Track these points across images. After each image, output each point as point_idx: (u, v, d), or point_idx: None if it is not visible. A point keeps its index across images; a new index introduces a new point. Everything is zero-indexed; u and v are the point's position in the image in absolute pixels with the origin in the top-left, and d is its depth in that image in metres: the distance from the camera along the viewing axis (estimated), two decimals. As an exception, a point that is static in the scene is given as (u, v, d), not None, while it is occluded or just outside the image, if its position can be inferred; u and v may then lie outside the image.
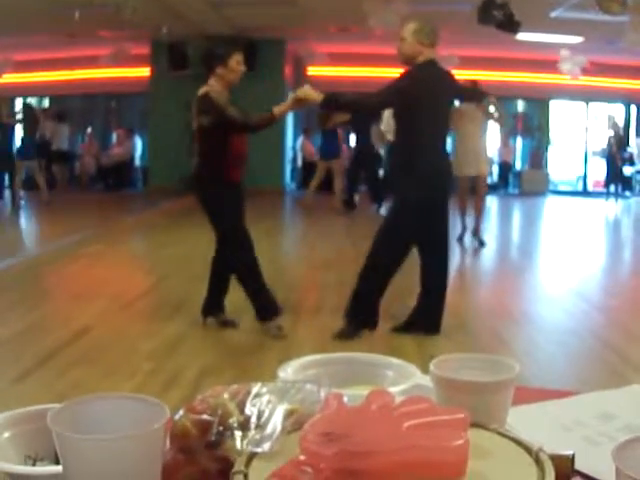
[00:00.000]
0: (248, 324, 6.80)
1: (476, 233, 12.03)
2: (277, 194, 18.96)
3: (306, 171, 20.36)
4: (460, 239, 12.07)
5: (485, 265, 11.34)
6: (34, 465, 1.23)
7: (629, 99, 22.10)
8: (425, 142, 6.10)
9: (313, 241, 13.03)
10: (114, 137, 22.63)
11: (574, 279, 9.58)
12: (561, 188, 23.19)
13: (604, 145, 21.62)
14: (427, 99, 6.01)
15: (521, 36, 13.82)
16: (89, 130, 22.75)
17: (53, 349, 5.95)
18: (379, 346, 5.96)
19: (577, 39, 16.73)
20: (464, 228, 12.20)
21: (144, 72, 20.19)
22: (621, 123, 22.14)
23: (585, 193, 22.70)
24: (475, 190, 12.06)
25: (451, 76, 6.45)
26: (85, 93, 21.87)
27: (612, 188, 21.07)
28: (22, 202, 16.49)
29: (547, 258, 11.83)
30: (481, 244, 11.83)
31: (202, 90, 6.29)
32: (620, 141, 21.17)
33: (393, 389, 1.28)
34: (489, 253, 11.85)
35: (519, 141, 23.30)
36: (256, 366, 5.41)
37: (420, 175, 6.06)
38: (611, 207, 19.60)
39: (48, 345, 6.06)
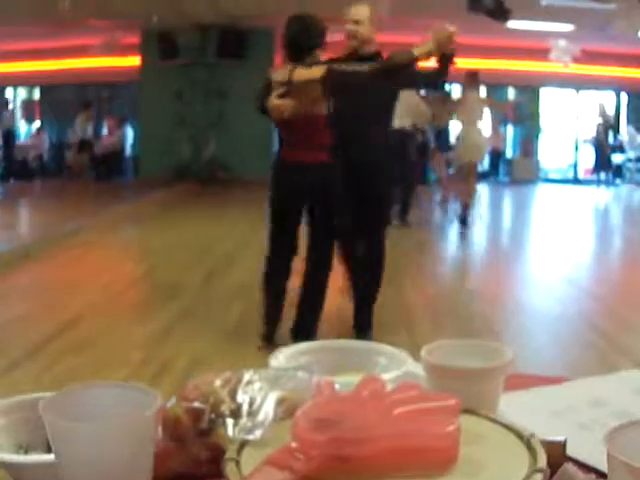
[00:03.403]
0: (238, 312, 6.82)
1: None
2: (266, 184, 18.89)
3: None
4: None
5: (476, 252, 11.35)
6: (26, 454, 1.23)
7: (619, 87, 22.11)
8: None
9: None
10: (105, 126, 22.59)
11: (565, 266, 9.60)
12: (552, 176, 23.20)
13: (594, 133, 21.68)
14: None
15: (512, 24, 13.82)
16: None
17: (43, 339, 5.94)
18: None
19: (568, 27, 16.73)
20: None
21: (134, 61, 20.14)
22: (612, 111, 22.20)
23: (576, 181, 22.72)
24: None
25: None
26: (75, 83, 21.78)
27: (601, 176, 21.16)
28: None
29: (538, 245, 11.85)
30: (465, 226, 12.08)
31: None
32: (608, 129, 21.23)
33: (385, 376, 1.28)
34: (480, 240, 11.86)
35: (510, 129, 23.30)
36: (247, 355, 5.41)
37: None
38: (601, 195, 19.64)
39: (38, 335, 6.05)
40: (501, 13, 12.12)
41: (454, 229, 12.25)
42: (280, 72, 5.78)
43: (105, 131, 21.93)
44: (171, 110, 19.37)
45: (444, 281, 8.94)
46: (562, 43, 17.24)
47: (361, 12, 5.90)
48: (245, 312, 6.86)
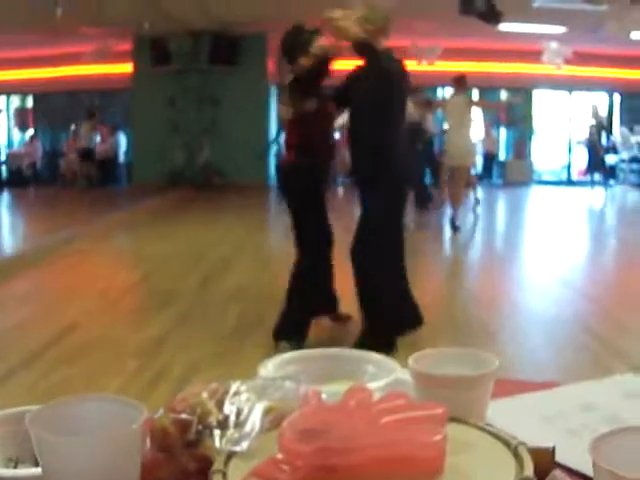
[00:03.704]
0: (234, 317, 6.82)
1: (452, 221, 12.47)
2: (261, 188, 18.96)
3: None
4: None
5: (471, 255, 11.36)
6: (16, 467, 1.23)
7: (612, 88, 22.15)
8: None
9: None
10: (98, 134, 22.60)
11: (560, 268, 9.60)
12: (545, 178, 23.21)
13: (587, 134, 21.73)
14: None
15: (504, 26, 13.85)
16: (73, 127, 22.64)
17: (39, 348, 5.94)
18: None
19: (560, 29, 16.75)
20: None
21: (127, 68, 20.14)
22: (604, 112, 22.24)
23: (569, 182, 22.74)
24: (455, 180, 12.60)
25: None
26: (68, 90, 21.79)
27: (595, 177, 21.22)
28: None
29: (533, 247, 11.86)
30: (455, 229, 12.27)
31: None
32: (601, 130, 21.29)
33: (374, 384, 1.28)
34: (475, 243, 11.88)
35: (503, 131, 23.32)
36: (242, 361, 5.40)
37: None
38: (595, 196, 19.66)
39: (34, 343, 6.05)
40: (493, 16, 12.15)
41: (449, 232, 12.28)
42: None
43: (98, 138, 21.92)
44: (164, 117, 19.37)
45: (440, 284, 8.94)
46: (553, 45, 17.28)
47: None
48: (241, 317, 6.87)
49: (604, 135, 21.59)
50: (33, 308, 7.57)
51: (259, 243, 11.97)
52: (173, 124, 19.34)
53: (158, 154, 19.20)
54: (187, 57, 19.03)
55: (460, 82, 12.33)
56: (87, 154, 20.91)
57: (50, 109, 22.93)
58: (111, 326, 6.84)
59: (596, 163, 21.13)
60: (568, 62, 18.22)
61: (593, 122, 21.22)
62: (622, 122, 22.48)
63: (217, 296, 7.79)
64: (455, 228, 12.15)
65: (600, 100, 22.59)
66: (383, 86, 5.63)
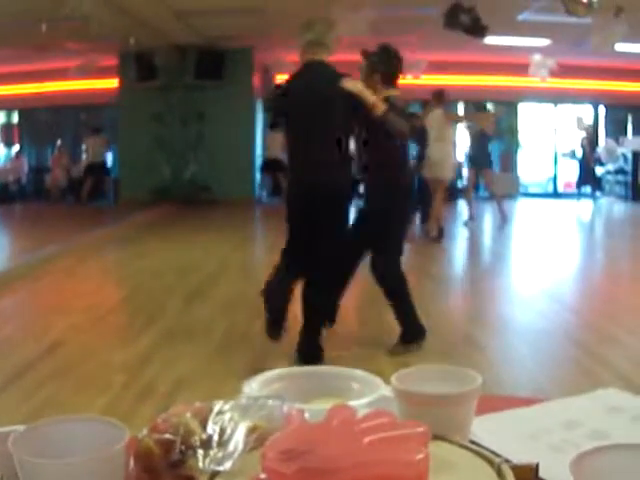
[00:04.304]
0: (220, 333, 6.80)
1: (427, 234, 12.70)
2: (248, 203, 18.94)
3: (271, 170, 19.89)
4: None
5: (458, 269, 11.36)
6: (0, 487, 1.22)
7: (597, 100, 22.23)
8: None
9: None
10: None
11: (547, 281, 9.61)
12: (532, 190, 23.24)
13: (575, 146, 21.79)
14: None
15: (489, 40, 13.87)
16: (59, 142, 22.59)
17: (25, 365, 5.91)
18: (350, 356, 5.92)
19: (545, 42, 16.81)
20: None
21: (112, 83, 20.11)
22: (590, 124, 22.33)
23: (555, 195, 22.79)
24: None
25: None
26: (54, 105, 21.75)
27: (584, 189, 21.27)
28: None
29: (520, 261, 11.87)
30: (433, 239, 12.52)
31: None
32: (592, 142, 21.37)
33: (359, 402, 1.28)
34: (462, 257, 11.87)
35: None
36: (230, 376, 5.39)
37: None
38: (583, 208, 19.71)
39: (20, 361, 6.02)
40: (478, 30, 12.16)
41: (434, 245, 12.30)
42: None
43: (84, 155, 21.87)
44: (150, 132, 19.32)
45: (426, 298, 8.94)
46: (538, 58, 17.34)
47: None
48: (227, 332, 6.85)
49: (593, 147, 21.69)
50: (18, 325, 7.55)
51: (246, 258, 11.97)
52: (159, 139, 19.29)
53: (144, 169, 19.16)
54: (173, 72, 18.99)
55: (439, 97, 12.48)
56: (91, 170, 20.76)
57: (36, 125, 22.91)
58: (97, 342, 6.81)
59: (587, 175, 21.20)
60: (553, 75, 18.27)
61: (584, 134, 21.29)
62: (607, 134, 22.56)
63: (203, 311, 7.78)
64: (431, 239, 12.30)
65: (585, 112, 22.67)
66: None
